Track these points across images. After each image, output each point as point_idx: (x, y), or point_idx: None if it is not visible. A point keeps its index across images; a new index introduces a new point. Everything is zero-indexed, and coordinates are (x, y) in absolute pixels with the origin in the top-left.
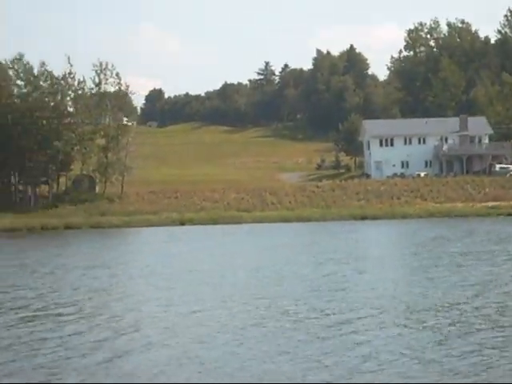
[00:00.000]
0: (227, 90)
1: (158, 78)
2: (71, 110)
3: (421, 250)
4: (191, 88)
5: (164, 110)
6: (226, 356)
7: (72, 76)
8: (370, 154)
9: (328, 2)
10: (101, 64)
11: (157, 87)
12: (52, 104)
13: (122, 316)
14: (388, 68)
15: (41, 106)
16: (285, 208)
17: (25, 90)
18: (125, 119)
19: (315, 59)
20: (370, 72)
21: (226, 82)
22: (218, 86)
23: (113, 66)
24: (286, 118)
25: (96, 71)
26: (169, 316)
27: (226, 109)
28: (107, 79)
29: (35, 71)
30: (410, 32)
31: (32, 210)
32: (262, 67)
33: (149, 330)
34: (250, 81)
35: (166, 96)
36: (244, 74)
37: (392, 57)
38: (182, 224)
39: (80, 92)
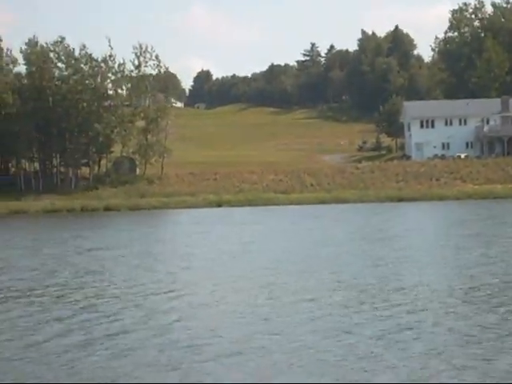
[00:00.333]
0: (274, 72)
1: (207, 59)
2: (111, 92)
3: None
4: (239, 69)
5: (212, 92)
6: None
7: (112, 58)
8: (411, 135)
9: None
10: (140, 46)
11: (205, 68)
12: (92, 86)
13: None
14: (432, 49)
15: (81, 88)
16: (323, 190)
17: (65, 73)
18: (172, 100)
19: (360, 40)
20: (415, 53)
21: (272, 64)
22: (264, 67)
23: (152, 48)
24: (332, 99)
25: (136, 54)
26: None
27: (272, 90)
28: (147, 62)
29: (76, 54)
30: (454, 12)
31: (73, 191)
32: (308, 48)
33: None
34: (297, 62)
35: (214, 78)
36: (291, 55)
37: (436, 37)
38: (219, 206)
39: (120, 75)
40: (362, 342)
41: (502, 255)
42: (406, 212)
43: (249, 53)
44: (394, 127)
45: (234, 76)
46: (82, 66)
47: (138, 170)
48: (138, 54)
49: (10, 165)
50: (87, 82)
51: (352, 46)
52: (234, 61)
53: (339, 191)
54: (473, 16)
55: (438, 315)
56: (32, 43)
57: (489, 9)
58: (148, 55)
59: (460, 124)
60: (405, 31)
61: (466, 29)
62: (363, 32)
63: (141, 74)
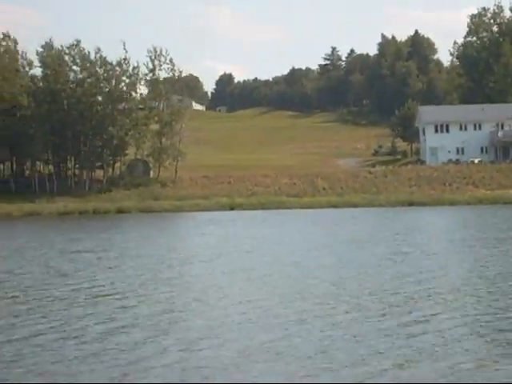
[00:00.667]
0: (295, 75)
1: (229, 63)
2: (125, 95)
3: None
4: (261, 73)
5: (234, 95)
6: None
7: (127, 62)
8: (425, 140)
9: None
10: (155, 50)
11: (227, 72)
12: (107, 90)
13: None
14: (451, 54)
15: (96, 91)
16: (335, 194)
17: (80, 76)
18: (193, 103)
19: (380, 44)
20: (435, 57)
21: (293, 67)
22: (286, 71)
23: (167, 51)
24: (353, 103)
25: (150, 57)
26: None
27: (292, 94)
28: (161, 65)
29: (91, 57)
30: (472, 17)
31: (87, 194)
32: (329, 52)
33: None
34: (319, 65)
35: (236, 81)
36: (312, 59)
37: (455, 42)
38: (232, 209)
39: (134, 78)
40: (392, 349)
41: None
42: (420, 217)
43: (271, 56)
44: (410, 132)
45: (255, 79)
46: (97, 69)
47: (151, 173)
48: (153, 57)
49: (24, 167)
50: (102, 85)
51: (372, 50)
52: (257, 64)
53: (351, 195)
54: (491, 21)
55: None
56: (48, 46)
57: (507, 13)
58: (162, 59)
59: (475, 129)
60: (425, 35)
61: (485, 34)
62: (383, 36)
63: (155, 77)
